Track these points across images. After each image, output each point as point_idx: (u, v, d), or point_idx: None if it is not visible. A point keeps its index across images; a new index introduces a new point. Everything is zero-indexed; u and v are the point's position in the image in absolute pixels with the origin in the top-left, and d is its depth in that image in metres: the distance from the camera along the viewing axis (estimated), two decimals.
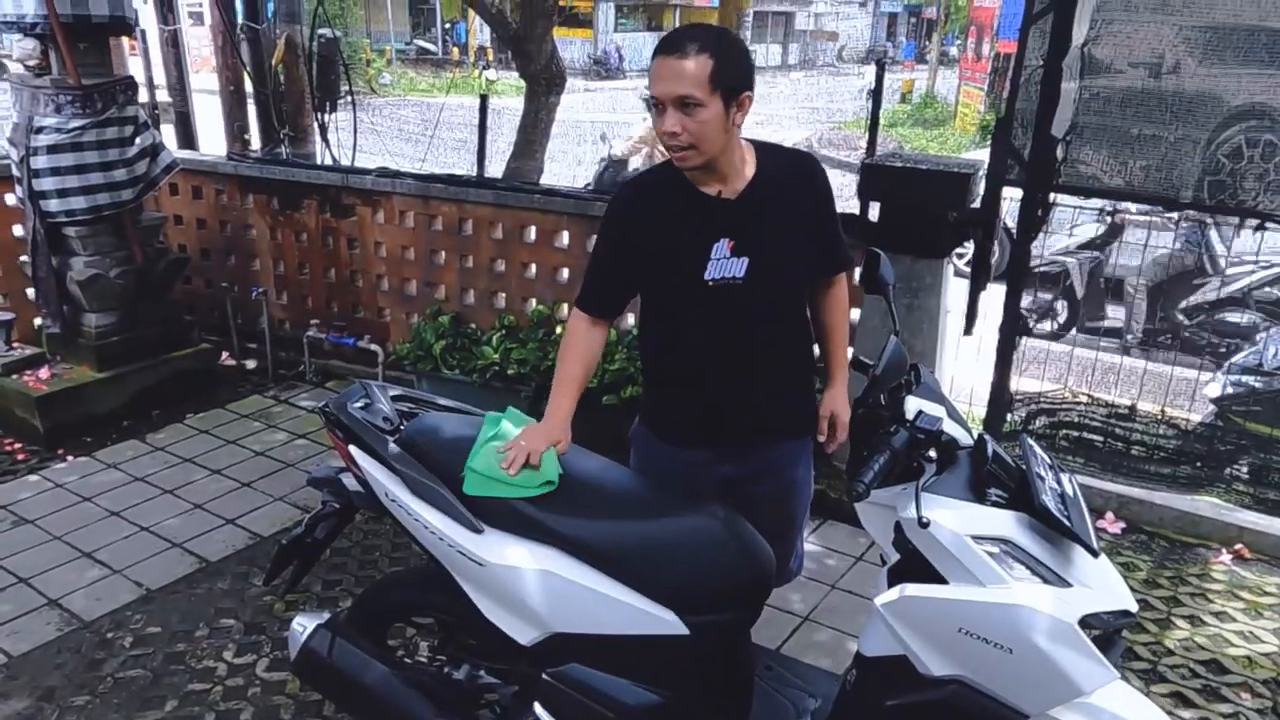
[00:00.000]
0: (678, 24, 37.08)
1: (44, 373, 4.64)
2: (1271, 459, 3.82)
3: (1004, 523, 1.80)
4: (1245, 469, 3.89)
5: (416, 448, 2.13)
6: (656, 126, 2.04)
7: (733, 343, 2.17)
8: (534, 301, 4.76)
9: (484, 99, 5.17)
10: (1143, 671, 2.98)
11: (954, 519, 1.77)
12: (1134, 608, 1.83)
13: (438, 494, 2.07)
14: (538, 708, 2.09)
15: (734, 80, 1.96)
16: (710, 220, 2.09)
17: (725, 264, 2.10)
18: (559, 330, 4.54)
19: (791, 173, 2.17)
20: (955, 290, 3.94)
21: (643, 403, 2.42)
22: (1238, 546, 3.65)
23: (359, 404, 2.26)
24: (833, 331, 2.42)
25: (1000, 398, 3.95)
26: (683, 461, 2.27)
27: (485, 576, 2.03)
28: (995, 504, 1.83)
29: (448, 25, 32.44)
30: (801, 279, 2.26)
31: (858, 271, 3.99)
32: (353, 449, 2.18)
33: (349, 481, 2.30)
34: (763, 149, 2.17)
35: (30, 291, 4.96)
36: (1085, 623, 1.75)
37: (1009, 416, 4.02)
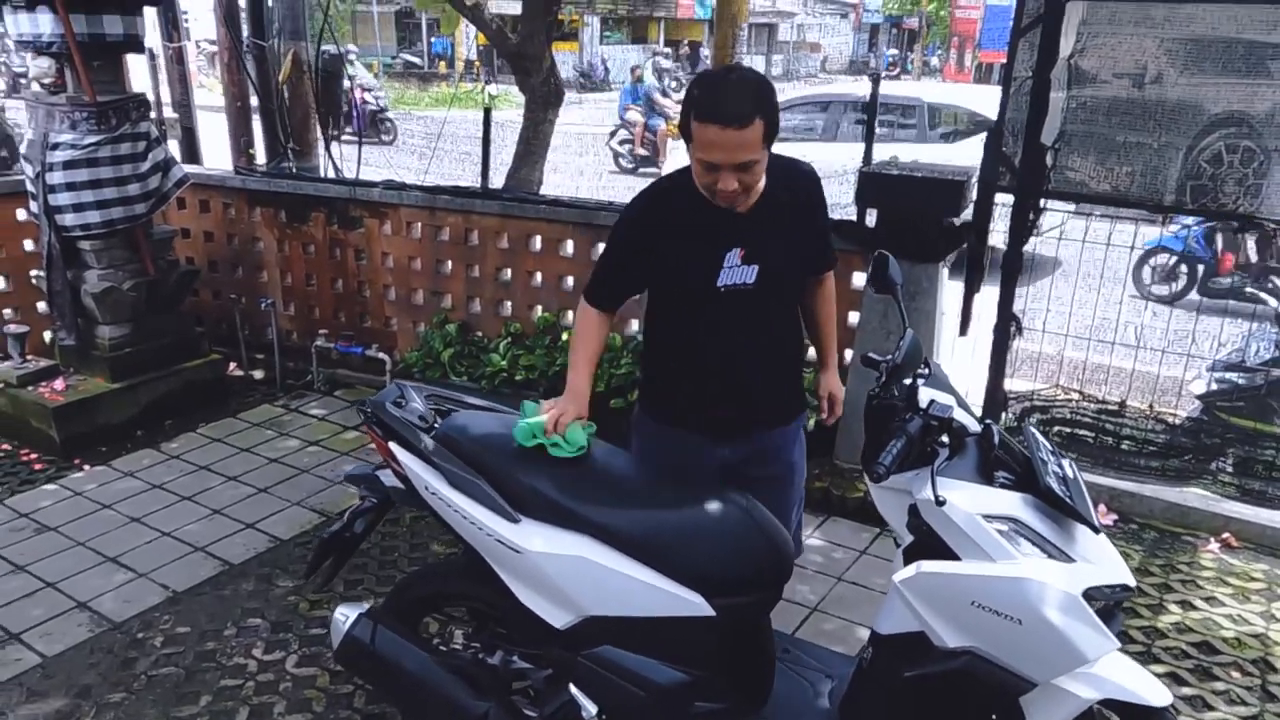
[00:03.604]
0: (662, 37, 37.30)
1: (59, 384, 4.72)
2: (1255, 451, 3.98)
3: (1012, 503, 1.93)
4: (1231, 462, 4.05)
5: (453, 443, 2.25)
6: (704, 181, 2.16)
7: (740, 340, 2.34)
8: (540, 309, 4.88)
9: (488, 113, 5.30)
10: (1138, 654, 3.11)
11: (966, 499, 1.91)
12: (1132, 582, 1.97)
13: (475, 486, 2.19)
14: (573, 688, 2.20)
15: (776, 128, 2.12)
16: (723, 232, 2.25)
17: (736, 271, 2.27)
18: (565, 337, 4.66)
19: (793, 184, 2.34)
20: (950, 293, 4.09)
21: (644, 391, 2.57)
22: (1225, 535, 3.80)
23: (396, 403, 2.38)
24: (824, 322, 2.63)
25: (995, 396, 4.09)
26: (683, 444, 2.41)
27: (522, 564, 2.15)
28: (1003, 486, 1.97)
29: (432, 40, 32.58)
30: (801, 280, 2.48)
31: (858, 276, 4.15)
32: (393, 445, 2.29)
33: (385, 478, 2.41)
34: (771, 162, 2.30)
35: (41, 305, 5.06)
36: (1088, 595, 1.89)
37: (1004, 415, 4.16)
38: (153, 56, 5.92)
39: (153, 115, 5.33)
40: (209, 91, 14.61)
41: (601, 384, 4.40)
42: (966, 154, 9.25)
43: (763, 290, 2.29)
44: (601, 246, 4.55)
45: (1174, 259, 7.78)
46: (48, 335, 5.06)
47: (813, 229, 2.42)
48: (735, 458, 2.43)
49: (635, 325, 4.60)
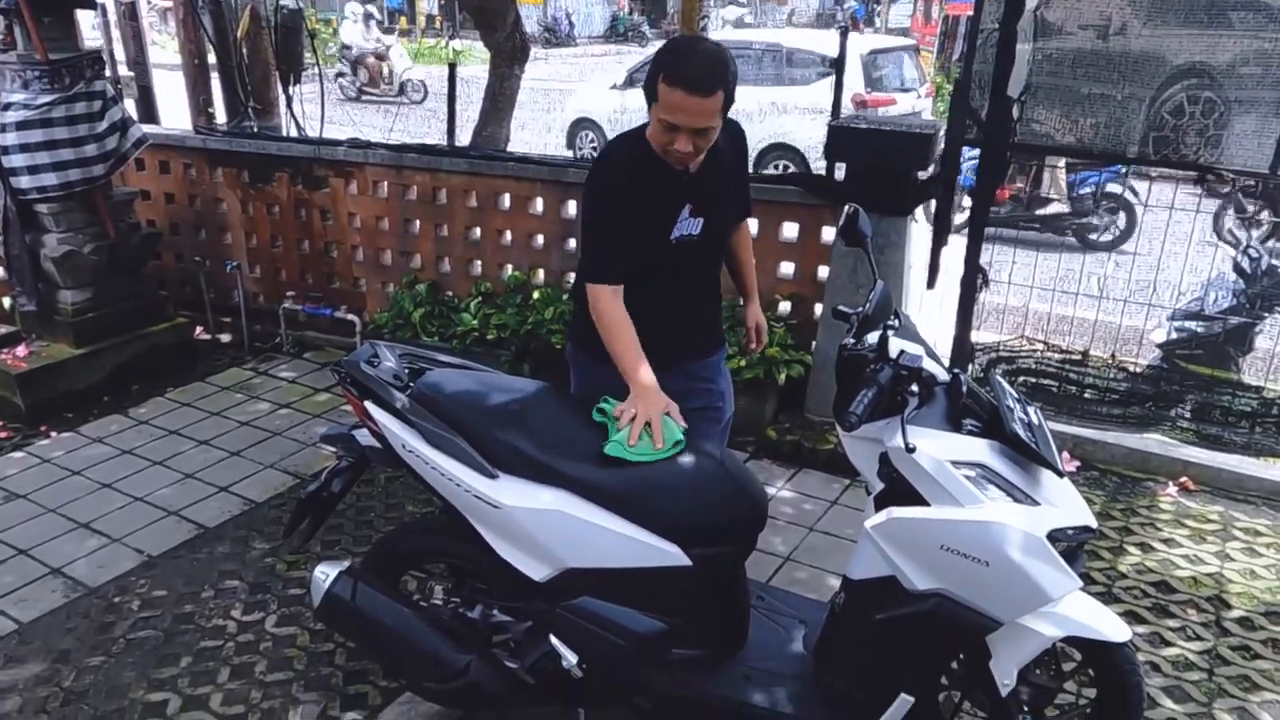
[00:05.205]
0: None
1: (21, 350, 4.64)
2: (1212, 398, 4.09)
3: (979, 449, 1.99)
4: (1189, 408, 4.16)
5: (429, 401, 2.26)
6: (661, 139, 2.27)
7: (681, 283, 2.52)
8: (510, 268, 4.87)
9: (453, 68, 5.22)
10: (1099, 594, 3.22)
11: (935, 446, 1.95)
12: (1094, 523, 2.04)
13: (452, 443, 2.20)
14: (553, 639, 2.24)
15: (732, 100, 2.26)
16: (677, 188, 2.39)
17: (687, 224, 2.44)
18: (536, 295, 4.65)
19: (728, 141, 2.48)
20: (918, 246, 4.13)
21: (578, 328, 2.59)
22: (1183, 479, 3.91)
23: (370, 362, 2.38)
24: (744, 261, 2.85)
25: (962, 348, 4.16)
26: (618, 377, 2.37)
27: (501, 518, 2.17)
28: (971, 433, 2.02)
29: None
30: (733, 227, 2.72)
31: (827, 230, 4.18)
32: (368, 405, 2.29)
33: (361, 437, 2.42)
34: None
35: (0, 271, 4.95)
36: (1052, 537, 1.95)
37: (971, 365, 4.24)
38: (104, 13, 5.74)
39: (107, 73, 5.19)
40: (162, 49, 14.24)
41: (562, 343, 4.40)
42: (814, 96, 9.83)
43: (706, 239, 2.48)
44: (572, 205, 4.59)
45: None
46: (7, 301, 4.96)
47: (742, 182, 2.65)
48: (669, 388, 2.43)
49: None
